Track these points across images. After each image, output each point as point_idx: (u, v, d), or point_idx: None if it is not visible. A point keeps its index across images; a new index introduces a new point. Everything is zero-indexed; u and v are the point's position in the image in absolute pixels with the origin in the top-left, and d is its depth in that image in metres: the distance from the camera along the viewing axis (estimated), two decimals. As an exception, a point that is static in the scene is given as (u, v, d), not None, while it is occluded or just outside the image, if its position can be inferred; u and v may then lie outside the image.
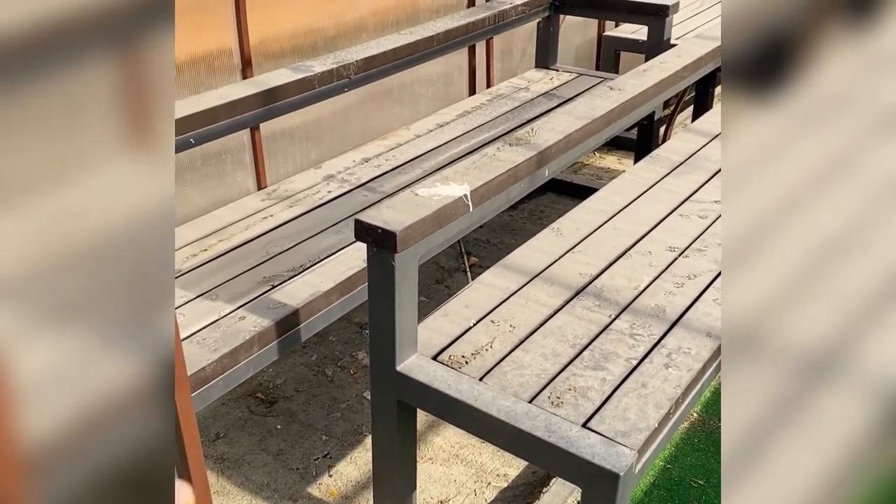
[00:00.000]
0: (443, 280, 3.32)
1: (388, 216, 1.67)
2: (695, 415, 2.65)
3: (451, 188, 1.81)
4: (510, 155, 1.98)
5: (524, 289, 2.07)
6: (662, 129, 4.34)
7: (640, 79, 2.45)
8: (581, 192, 3.91)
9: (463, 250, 3.53)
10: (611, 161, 4.44)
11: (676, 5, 3.34)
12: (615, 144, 4.38)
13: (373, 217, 1.66)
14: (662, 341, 1.86)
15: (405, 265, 1.67)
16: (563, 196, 4.04)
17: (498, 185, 1.90)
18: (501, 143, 2.05)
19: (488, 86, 3.80)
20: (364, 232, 1.66)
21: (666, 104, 4.28)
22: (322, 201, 2.56)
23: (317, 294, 2.06)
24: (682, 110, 4.52)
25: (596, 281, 2.10)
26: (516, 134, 2.09)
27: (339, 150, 3.05)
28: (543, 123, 2.16)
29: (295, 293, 2.06)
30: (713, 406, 2.68)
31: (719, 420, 2.62)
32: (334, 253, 2.25)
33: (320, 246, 2.30)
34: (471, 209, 1.82)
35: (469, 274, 3.37)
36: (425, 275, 3.34)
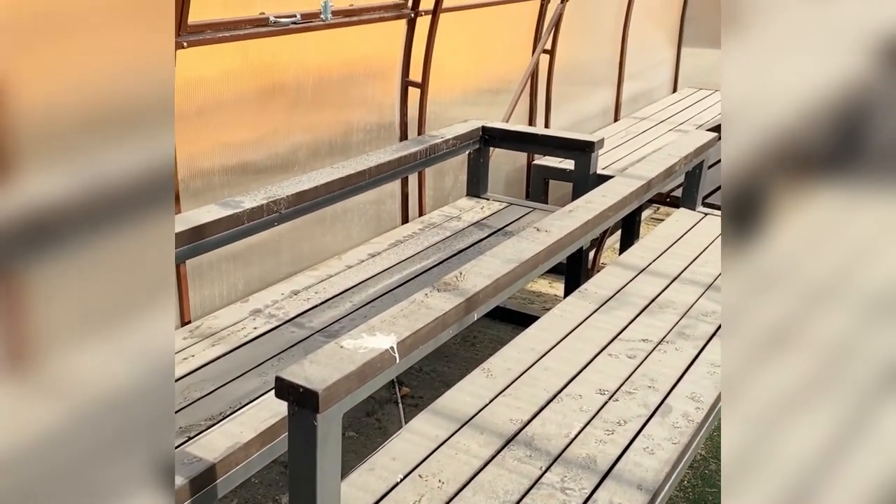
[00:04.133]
0: (373, 412, 3.23)
1: (311, 372, 1.61)
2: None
3: (377, 339, 1.77)
4: (438, 302, 1.97)
5: (454, 437, 2.02)
6: (592, 253, 4.44)
7: (567, 220, 2.51)
8: (514, 318, 3.93)
9: (395, 380, 3.45)
10: (542, 285, 4.49)
11: (602, 142, 3.49)
12: (546, 268, 4.45)
13: (294, 374, 1.60)
14: (593, 496, 1.82)
15: (328, 423, 1.61)
16: (495, 321, 4.04)
17: (426, 334, 1.88)
18: (430, 288, 2.04)
19: (421, 212, 3.85)
20: (285, 390, 1.59)
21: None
22: (247, 339, 2.48)
23: (236, 446, 1.95)
24: (611, 234, 4.65)
25: (527, 428, 2.06)
26: (445, 279, 2.09)
27: (269, 280, 2.99)
28: (471, 267, 2.16)
29: (212, 445, 1.95)
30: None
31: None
32: (257, 398, 2.16)
33: (243, 390, 2.20)
34: (398, 361, 1.78)
35: (401, 405, 3.28)
36: (355, 407, 3.23)
